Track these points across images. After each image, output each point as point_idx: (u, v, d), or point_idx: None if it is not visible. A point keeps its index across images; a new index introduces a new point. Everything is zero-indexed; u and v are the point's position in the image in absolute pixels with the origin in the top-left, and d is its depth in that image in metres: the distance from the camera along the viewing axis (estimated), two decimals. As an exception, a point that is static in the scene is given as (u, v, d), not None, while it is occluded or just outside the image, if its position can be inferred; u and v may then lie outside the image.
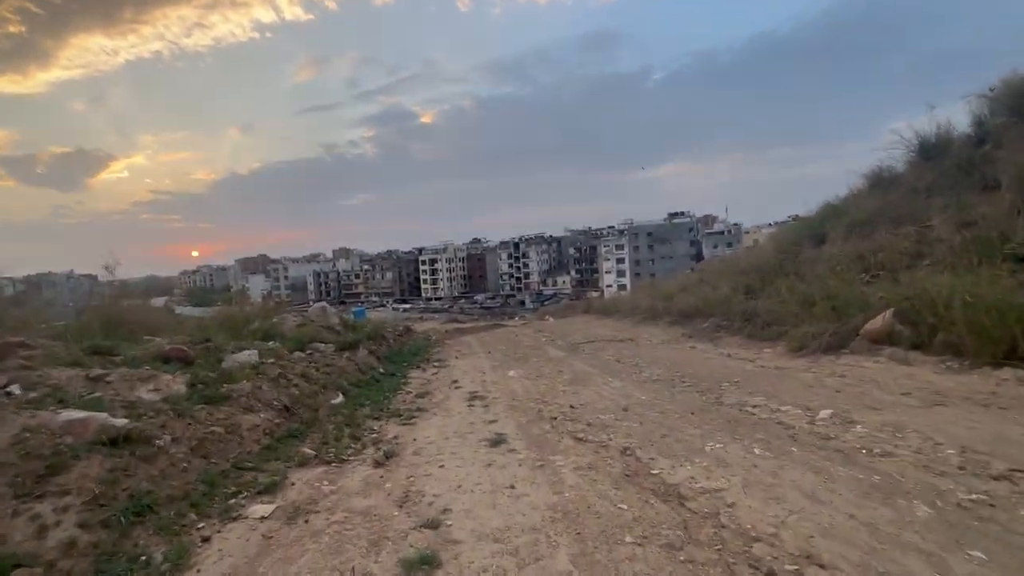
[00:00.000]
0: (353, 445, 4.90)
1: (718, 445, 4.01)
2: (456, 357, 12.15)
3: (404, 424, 5.77)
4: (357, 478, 4.00)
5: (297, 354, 8.41)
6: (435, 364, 11.04)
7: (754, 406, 5.30)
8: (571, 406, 6.01)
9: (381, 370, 9.63)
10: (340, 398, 6.85)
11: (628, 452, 4.12)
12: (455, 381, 8.50)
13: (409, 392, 7.92)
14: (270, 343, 8.81)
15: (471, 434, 5.10)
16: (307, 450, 4.54)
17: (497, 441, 4.66)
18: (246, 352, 6.53)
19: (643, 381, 7.33)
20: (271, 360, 6.79)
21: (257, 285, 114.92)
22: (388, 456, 4.49)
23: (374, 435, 5.29)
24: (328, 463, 4.37)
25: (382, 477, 3.98)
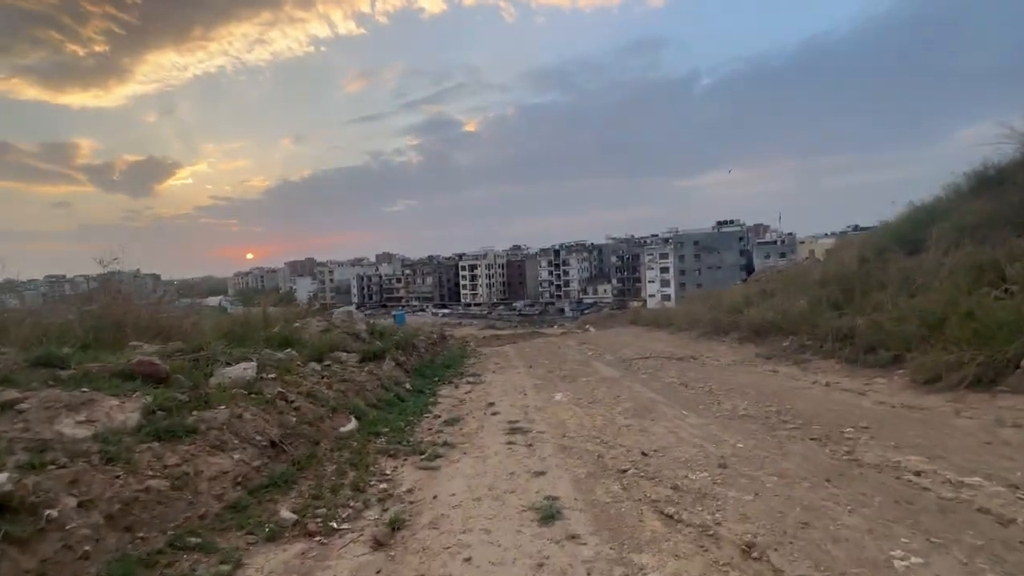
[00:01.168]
0: (353, 503, 3.63)
1: (916, 559, 2.47)
2: (493, 371, 10.84)
3: (424, 467, 4.46)
4: (343, 570, 2.71)
5: (312, 365, 7.31)
6: (469, 379, 9.76)
7: (916, 473, 3.68)
8: (643, 453, 4.54)
9: (408, 386, 8.42)
10: (352, 424, 5.63)
11: (755, 554, 2.64)
12: (491, 404, 7.16)
13: (437, 417, 6.63)
14: (286, 351, 7.77)
15: (511, 493, 3.72)
16: (286, 512, 3.29)
17: (549, 513, 3.26)
18: (242, 365, 5.42)
19: (728, 417, 5.76)
20: (272, 375, 5.65)
21: (304, 287, 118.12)
22: (395, 526, 3.19)
23: (383, 485, 4.00)
24: (311, 535, 3.09)
25: (379, 573, 2.67)
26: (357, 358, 8.77)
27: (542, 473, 4.13)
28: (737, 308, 13.58)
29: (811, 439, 4.74)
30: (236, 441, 3.80)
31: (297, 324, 9.97)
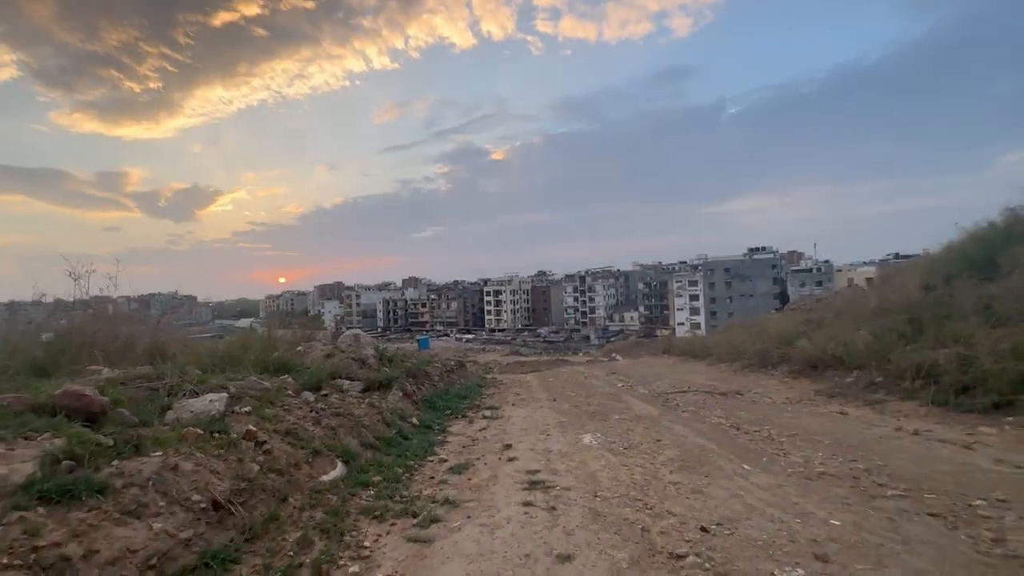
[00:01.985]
0: (306, 597, 2.64)
1: None
2: (513, 404, 9.76)
3: (415, 539, 3.44)
4: None
5: (305, 395, 6.43)
6: (486, 412, 8.71)
7: None
8: (702, 528, 3.42)
9: (414, 420, 7.43)
10: (337, 470, 4.66)
11: None
12: (508, 446, 6.10)
13: (443, 461, 5.61)
14: (281, 378, 6.96)
15: (525, 592, 2.67)
16: (202, 619, 2.32)
17: (579, 639, 2.20)
18: (210, 396, 4.55)
19: (804, 475, 4.56)
20: (246, 409, 4.76)
21: (331, 310, 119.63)
22: (354, 649, 2.17)
23: (354, 568, 2.99)
24: (228, 661, 2.11)
25: None
26: (360, 387, 7.88)
27: (568, 558, 3.05)
28: (787, 339, 12.21)
29: (930, 515, 3.54)
30: (162, 503, 2.87)
31: (300, 348, 9.18)
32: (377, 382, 8.13)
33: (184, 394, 4.58)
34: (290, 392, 6.30)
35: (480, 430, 7.29)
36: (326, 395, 6.91)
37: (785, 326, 13.52)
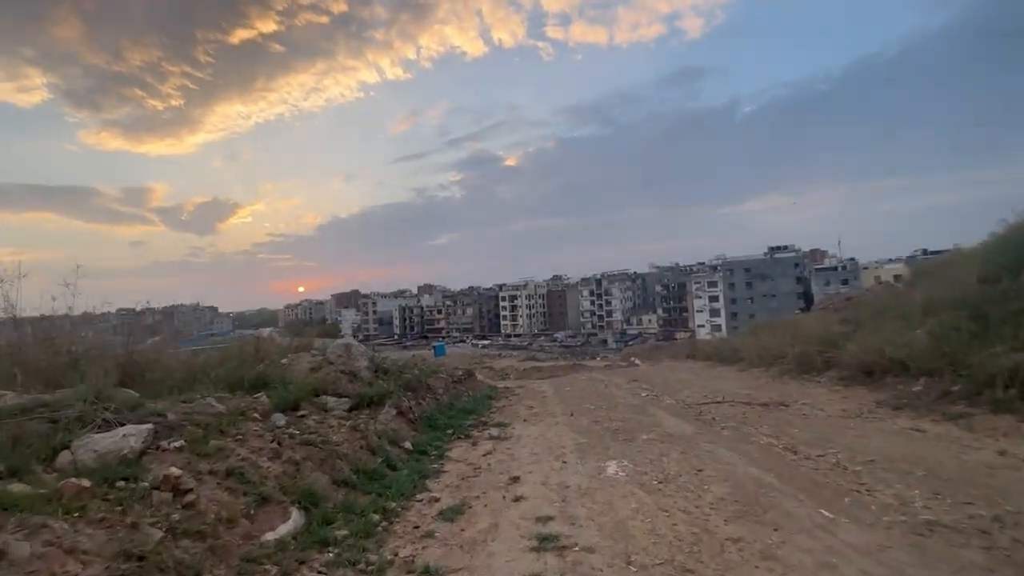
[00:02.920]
0: None
1: None
2: (524, 419, 8.65)
3: (370, 644, 2.38)
4: None
5: (276, 418, 5.44)
6: (493, 431, 7.62)
7: None
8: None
9: (408, 444, 6.37)
10: (291, 523, 3.62)
11: None
12: (515, 479, 5.00)
13: (434, 500, 4.54)
14: (255, 396, 6.01)
15: None
16: None
17: None
18: (124, 430, 3.55)
19: (908, 527, 3.38)
20: (178, 443, 3.75)
21: (348, 319, 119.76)
22: None
23: None
24: None
25: None
26: (348, 404, 6.87)
27: None
28: (830, 340, 10.88)
29: None
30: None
31: (284, 360, 8.22)
32: (368, 398, 7.13)
33: (95, 426, 3.59)
34: (256, 415, 5.30)
35: (484, 455, 6.21)
36: (303, 416, 5.92)
37: (820, 326, 12.19)
